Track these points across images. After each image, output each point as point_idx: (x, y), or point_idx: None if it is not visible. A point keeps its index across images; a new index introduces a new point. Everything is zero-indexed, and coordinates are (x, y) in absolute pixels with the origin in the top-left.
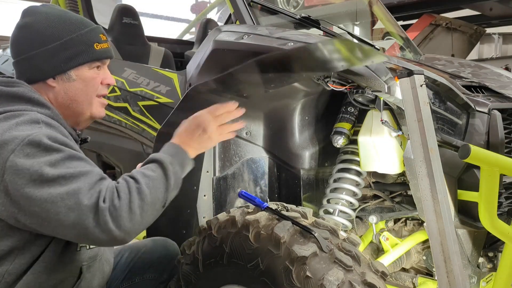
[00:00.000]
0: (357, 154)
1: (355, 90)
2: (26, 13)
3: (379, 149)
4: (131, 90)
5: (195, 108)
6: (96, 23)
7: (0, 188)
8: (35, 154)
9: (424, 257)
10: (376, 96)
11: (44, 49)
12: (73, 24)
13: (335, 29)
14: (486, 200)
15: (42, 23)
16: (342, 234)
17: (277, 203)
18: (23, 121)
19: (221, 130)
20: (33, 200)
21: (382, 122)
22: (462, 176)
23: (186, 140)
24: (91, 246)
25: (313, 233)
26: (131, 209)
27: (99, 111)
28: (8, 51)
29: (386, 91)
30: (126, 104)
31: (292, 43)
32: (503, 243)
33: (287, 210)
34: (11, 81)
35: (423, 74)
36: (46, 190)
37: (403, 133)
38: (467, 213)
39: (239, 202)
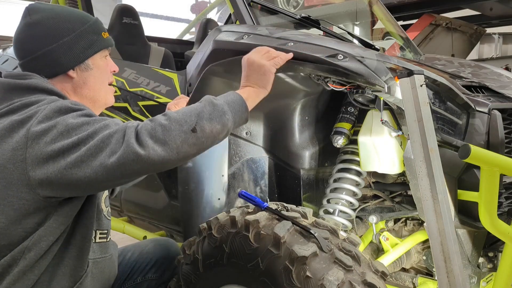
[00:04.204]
0: (357, 154)
1: (355, 90)
2: (32, 11)
3: (379, 149)
4: (131, 90)
5: (211, 88)
6: None
7: (27, 157)
8: (58, 116)
9: (424, 257)
10: (376, 96)
11: (61, 42)
12: (80, 16)
13: (335, 29)
14: (486, 200)
15: (53, 19)
16: (342, 234)
17: (277, 203)
18: (45, 102)
19: (270, 56)
20: (67, 149)
21: (382, 122)
22: (462, 176)
23: (244, 82)
24: (98, 240)
25: (313, 233)
26: (152, 128)
27: (111, 98)
28: (8, 51)
29: (386, 91)
30: (126, 104)
31: (292, 43)
32: (503, 243)
33: (287, 210)
34: (22, 74)
35: (423, 74)
36: (75, 137)
37: (403, 133)
38: (467, 213)
39: (239, 202)
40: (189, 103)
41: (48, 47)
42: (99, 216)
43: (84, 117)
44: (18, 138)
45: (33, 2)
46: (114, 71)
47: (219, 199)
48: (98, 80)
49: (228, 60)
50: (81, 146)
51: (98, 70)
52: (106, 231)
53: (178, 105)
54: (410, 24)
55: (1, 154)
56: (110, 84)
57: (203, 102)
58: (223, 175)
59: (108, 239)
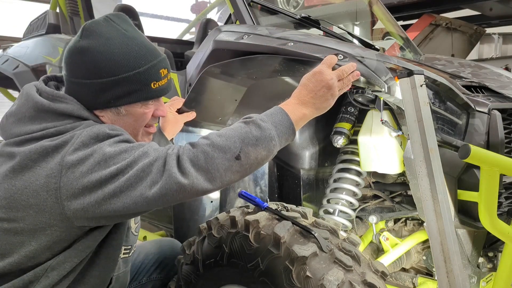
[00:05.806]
0: (357, 154)
1: (355, 90)
2: (86, 32)
3: (379, 149)
4: None
5: (208, 90)
6: None
7: (61, 186)
8: (95, 143)
9: (424, 257)
10: (376, 96)
11: (96, 82)
12: (132, 59)
13: (335, 29)
14: (486, 200)
15: (100, 53)
16: (342, 234)
17: (277, 203)
18: (81, 127)
19: (342, 84)
20: (105, 180)
21: (382, 122)
22: (462, 176)
23: (305, 98)
24: (122, 255)
25: (313, 233)
26: (195, 155)
27: (144, 140)
28: (9, 51)
29: (386, 91)
30: None
31: (292, 43)
32: (503, 243)
33: (287, 210)
34: (59, 96)
35: (423, 74)
36: (114, 166)
37: (403, 133)
38: (467, 213)
39: (239, 202)
40: (185, 104)
41: (83, 80)
42: (126, 233)
43: (121, 144)
44: (52, 165)
45: (34, 3)
46: (161, 116)
47: (211, 202)
48: (129, 126)
49: (226, 62)
50: (119, 177)
51: (133, 117)
52: (130, 247)
53: (173, 106)
54: (410, 24)
55: (34, 180)
56: (150, 126)
57: (250, 125)
58: None
59: (130, 254)
